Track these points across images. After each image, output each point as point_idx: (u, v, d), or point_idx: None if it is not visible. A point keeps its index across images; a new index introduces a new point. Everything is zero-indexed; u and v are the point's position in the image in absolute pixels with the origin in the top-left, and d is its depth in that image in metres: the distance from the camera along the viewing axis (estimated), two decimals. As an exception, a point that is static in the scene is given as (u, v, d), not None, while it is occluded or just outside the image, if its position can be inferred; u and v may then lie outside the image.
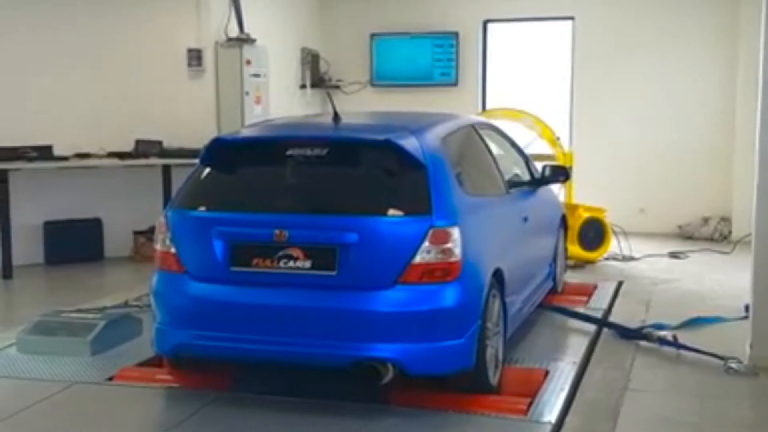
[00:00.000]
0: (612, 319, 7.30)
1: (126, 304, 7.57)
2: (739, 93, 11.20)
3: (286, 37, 12.04)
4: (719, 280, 9.03)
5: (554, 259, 7.72)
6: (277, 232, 4.98)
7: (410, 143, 5.18)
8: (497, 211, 6.13)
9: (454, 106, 10.62)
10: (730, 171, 11.45)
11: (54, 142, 9.66)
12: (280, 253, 4.99)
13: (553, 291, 7.76)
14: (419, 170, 5.10)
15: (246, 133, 6.23)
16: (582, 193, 10.53)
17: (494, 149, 6.69)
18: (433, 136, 5.54)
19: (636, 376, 5.85)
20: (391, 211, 5.05)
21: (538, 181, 7.24)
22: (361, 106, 11.97)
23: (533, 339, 6.69)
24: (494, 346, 5.41)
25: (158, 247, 5.39)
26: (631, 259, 10.11)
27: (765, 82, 5.85)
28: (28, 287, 9.07)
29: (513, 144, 7.36)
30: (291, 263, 4.98)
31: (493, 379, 5.37)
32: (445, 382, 5.25)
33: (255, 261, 5.05)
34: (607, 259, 10.06)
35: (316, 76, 12.67)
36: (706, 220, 11.64)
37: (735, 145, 11.33)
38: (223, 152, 5.50)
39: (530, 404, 5.18)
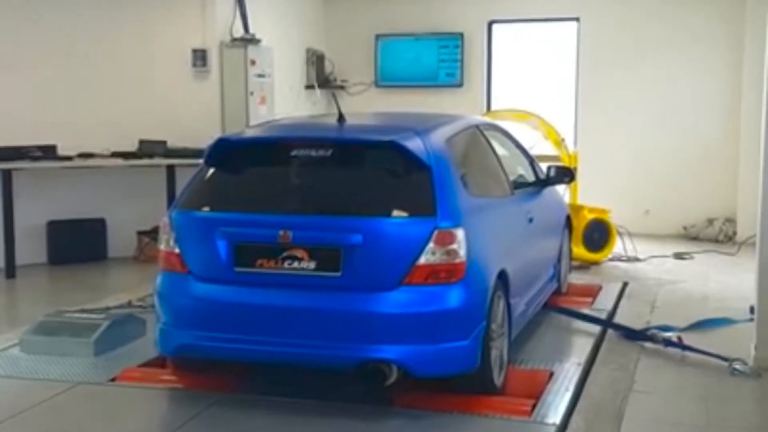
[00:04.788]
0: (617, 320, 7.29)
1: (129, 305, 7.58)
2: (744, 94, 11.16)
3: (291, 38, 12.03)
4: (724, 281, 9.01)
5: (559, 260, 7.71)
6: (281, 232, 4.97)
7: (415, 144, 5.17)
8: (502, 212, 6.11)
9: (459, 107, 10.63)
10: (735, 172, 11.41)
11: (58, 141, 9.67)
12: (285, 254, 4.98)
13: (557, 292, 7.74)
14: (424, 171, 5.09)
15: (250, 133, 6.22)
16: (587, 194, 10.52)
17: (499, 150, 6.67)
18: (438, 137, 5.52)
19: (641, 378, 5.83)
20: (396, 213, 5.04)
21: (542, 182, 7.23)
22: (366, 107, 11.93)
23: (538, 340, 6.68)
24: (499, 348, 5.40)
25: (162, 247, 5.39)
26: (636, 260, 10.08)
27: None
28: (32, 287, 9.06)
29: (518, 145, 7.34)
30: (295, 264, 4.97)
31: (498, 381, 5.36)
32: (449, 384, 5.23)
33: (259, 262, 5.04)
34: (611, 260, 10.03)
35: (321, 77, 12.64)
36: (711, 222, 11.61)
37: (740, 146, 11.29)
38: (228, 152, 5.49)
39: (534, 406, 5.17)
